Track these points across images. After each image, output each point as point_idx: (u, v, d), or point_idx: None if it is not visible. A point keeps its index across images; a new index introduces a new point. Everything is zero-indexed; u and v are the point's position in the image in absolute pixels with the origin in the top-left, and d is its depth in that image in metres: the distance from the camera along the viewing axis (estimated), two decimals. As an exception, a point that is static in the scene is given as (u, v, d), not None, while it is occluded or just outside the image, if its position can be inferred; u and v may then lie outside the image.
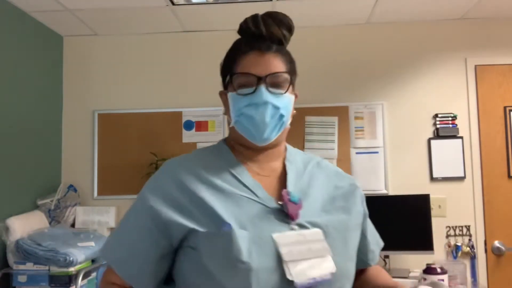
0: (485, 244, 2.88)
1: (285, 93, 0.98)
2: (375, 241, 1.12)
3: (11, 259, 2.36)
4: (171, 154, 2.94)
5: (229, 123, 1.03)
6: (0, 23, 2.49)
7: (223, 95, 1.07)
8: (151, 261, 0.91)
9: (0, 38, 2.48)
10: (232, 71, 1.00)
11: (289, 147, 1.11)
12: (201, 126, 3.06)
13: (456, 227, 2.90)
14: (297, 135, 2.93)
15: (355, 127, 3.01)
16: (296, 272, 0.84)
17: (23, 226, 2.45)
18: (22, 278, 2.31)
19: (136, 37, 3.16)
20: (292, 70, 1.02)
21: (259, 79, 0.95)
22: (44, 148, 2.89)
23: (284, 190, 0.94)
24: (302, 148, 2.93)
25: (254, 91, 0.95)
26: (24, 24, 2.72)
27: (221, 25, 2.97)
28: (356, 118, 3.01)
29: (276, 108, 0.96)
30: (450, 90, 3.00)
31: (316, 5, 2.74)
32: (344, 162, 2.97)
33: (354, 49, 3.07)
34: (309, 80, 3.04)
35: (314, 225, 0.92)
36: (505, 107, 2.94)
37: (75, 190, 2.99)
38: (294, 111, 1.06)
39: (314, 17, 2.95)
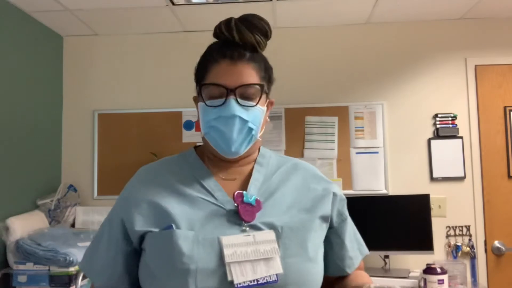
0: (485, 244, 2.88)
1: (256, 105, 0.96)
2: (356, 247, 1.08)
3: (11, 259, 2.36)
4: (171, 154, 2.93)
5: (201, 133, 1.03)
6: (0, 23, 2.49)
7: (195, 101, 1.08)
8: (121, 269, 0.96)
9: (0, 38, 2.48)
10: (203, 81, 1.00)
11: (263, 150, 1.10)
12: (201, 126, 3.05)
13: (456, 227, 2.90)
14: (297, 135, 2.92)
15: (355, 127, 3.01)
16: (237, 273, 0.84)
17: (23, 226, 2.45)
18: (22, 278, 2.31)
19: (136, 37, 3.16)
20: (266, 79, 1.00)
21: (229, 91, 0.94)
22: (44, 148, 2.89)
23: (238, 191, 0.94)
24: (302, 148, 2.93)
25: (223, 103, 0.94)
26: (24, 24, 2.72)
27: (221, 25, 2.96)
28: (356, 118, 3.01)
29: (244, 121, 0.95)
30: (450, 90, 3.00)
31: (316, 5, 2.74)
32: (344, 162, 2.97)
33: (354, 49, 3.07)
34: (309, 80, 3.04)
35: (269, 226, 0.92)
36: (505, 107, 2.94)
37: (75, 190, 2.99)
38: (268, 119, 1.06)
39: (314, 17, 2.95)
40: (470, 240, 2.88)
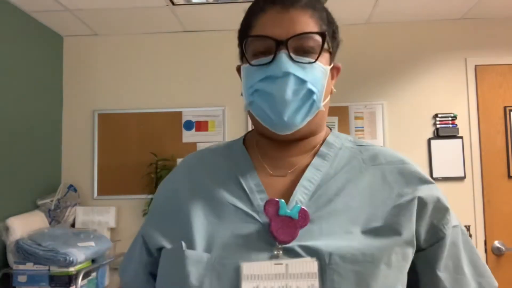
0: (485, 244, 2.88)
1: (315, 61, 0.72)
2: (458, 280, 0.72)
3: (11, 259, 2.35)
4: (171, 154, 2.94)
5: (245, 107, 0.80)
6: (0, 23, 2.49)
7: (239, 71, 0.82)
8: (142, 279, 0.81)
9: (0, 38, 2.48)
10: (246, 36, 0.76)
11: (334, 135, 0.82)
12: (201, 126, 3.05)
13: (456, 227, 2.90)
14: (297, 135, 2.92)
15: (355, 127, 3.01)
16: None
17: (23, 226, 2.44)
18: (22, 278, 2.31)
19: (136, 37, 3.16)
20: (330, 34, 0.77)
21: (279, 44, 0.71)
22: (44, 148, 2.89)
23: (270, 199, 0.69)
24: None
25: (271, 61, 0.71)
26: (24, 24, 2.72)
27: (221, 25, 2.96)
28: (356, 118, 3.01)
29: (301, 81, 0.71)
30: (450, 90, 2.99)
31: (316, 5, 2.74)
32: (344, 162, 2.97)
33: (354, 49, 3.07)
34: (309, 80, 3.04)
35: (312, 252, 0.65)
36: (505, 107, 2.94)
37: (75, 190, 2.99)
38: (334, 90, 0.81)
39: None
40: (470, 240, 2.88)
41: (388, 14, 2.92)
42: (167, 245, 0.72)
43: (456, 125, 2.94)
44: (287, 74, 0.70)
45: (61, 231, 2.56)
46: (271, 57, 0.71)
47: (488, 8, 2.85)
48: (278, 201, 0.68)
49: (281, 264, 0.64)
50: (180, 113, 3.07)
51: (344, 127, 3.00)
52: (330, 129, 0.85)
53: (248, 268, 0.64)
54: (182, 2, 2.63)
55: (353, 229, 0.67)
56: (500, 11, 2.90)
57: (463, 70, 3.00)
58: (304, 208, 0.68)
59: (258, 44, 0.73)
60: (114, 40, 3.17)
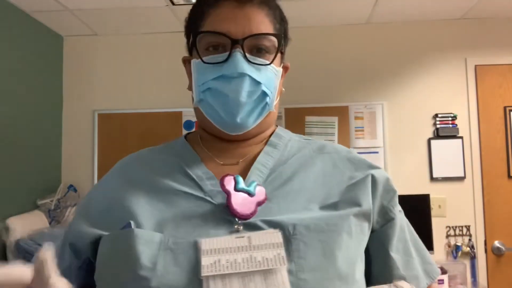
0: (485, 244, 2.88)
1: (270, 63, 0.72)
2: (409, 262, 0.72)
3: (11, 259, 2.35)
4: (171, 154, 2.94)
5: (193, 101, 0.78)
6: (0, 23, 2.49)
7: (186, 63, 0.79)
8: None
9: (0, 38, 2.48)
10: (197, 29, 0.73)
11: (281, 130, 0.83)
12: (201, 126, 3.05)
13: (456, 227, 2.90)
14: (297, 135, 2.92)
15: (355, 127, 3.01)
16: None
17: (23, 226, 2.44)
18: (22, 278, 2.30)
19: (136, 37, 3.15)
20: (282, 32, 0.76)
21: (234, 42, 0.69)
22: (44, 148, 2.89)
23: (227, 174, 0.67)
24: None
25: (226, 59, 0.69)
26: (24, 24, 2.72)
27: (221, 25, 2.96)
28: (356, 118, 3.01)
29: (256, 83, 0.70)
30: (450, 90, 3.00)
31: (316, 5, 2.74)
32: (344, 162, 2.97)
33: (354, 49, 3.07)
34: (309, 80, 3.04)
35: (275, 225, 0.64)
36: (505, 107, 2.94)
37: (75, 190, 2.99)
38: (283, 90, 0.80)
39: (314, 17, 2.94)
40: (470, 240, 2.88)
41: (388, 14, 2.92)
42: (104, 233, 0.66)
43: (456, 125, 2.94)
44: (242, 75, 0.69)
45: (61, 231, 2.56)
46: (225, 55, 0.69)
47: (488, 8, 2.85)
48: (234, 177, 0.66)
49: (242, 237, 0.61)
50: (180, 113, 3.07)
51: (344, 127, 3.00)
52: (276, 126, 0.85)
53: (207, 243, 0.60)
54: (182, 2, 2.63)
55: (311, 206, 0.68)
56: (500, 11, 2.90)
57: (463, 70, 3.00)
58: (261, 185, 0.68)
59: (211, 39, 0.71)
60: (114, 40, 3.17)
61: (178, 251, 0.61)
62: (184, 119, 3.07)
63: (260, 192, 0.66)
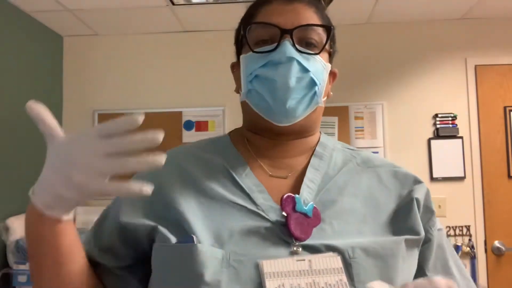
0: (485, 244, 2.88)
1: (319, 53, 0.71)
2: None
3: (11, 259, 2.35)
4: (171, 154, 2.94)
5: (240, 99, 0.76)
6: (0, 23, 2.49)
7: (235, 67, 0.79)
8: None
9: (0, 38, 2.48)
10: (249, 23, 0.74)
11: (325, 137, 0.81)
12: (201, 126, 3.05)
13: (456, 227, 2.90)
14: (297, 135, 2.92)
15: (355, 127, 3.01)
16: None
17: (23, 226, 2.44)
18: (22, 278, 2.31)
19: (136, 37, 3.15)
20: (330, 33, 0.74)
21: (284, 32, 0.69)
22: (44, 148, 2.87)
23: (288, 194, 0.66)
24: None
25: (275, 48, 0.69)
26: (24, 24, 2.72)
27: (221, 25, 2.96)
28: (356, 118, 3.01)
29: (305, 70, 0.69)
30: (450, 90, 2.99)
31: (316, 5, 2.74)
32: (344, 162, 2.97)
33: (354, 49, 3.07)
34: (309, 80, 3.04)
35: (330, 248, 0.63)
36: (505, 107, 2.94)
37: (75, 190, 2.99)
38: (331, 94, 0.78)
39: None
40: (470, 240, 2.88)
41: (388, 14, 2.92)
42: (168, 235, 0.65)
43: (456, 125, 2.94)
44: (291, 59, 0.68)
45: (61, 231, 2.56)
46: (274, 44, 0.69)
47: (488, 8, 2.85)
48: (294, 197, 0.66)
49: (303, 260, 0.61)
50: (180, 113, 3.07)
51: (344, 127, 3.00)
52: (320, 132, 0.84)
53: (268, 265, 0.60)
54: (182, 2, 2.63)
55: (364, 228, 0.67)
56: (500, 11, 2.90)
57: (463, 70, 3.00)
58: (316, 207, 0.67)
59: (261, 32, 0.71)
60: (114, 40, 3.17)
61: (240, 269, 0.60)
62: (184, 119, 3.06)
63: (315, 213, 0.66)
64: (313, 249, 0.63)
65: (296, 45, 0.69)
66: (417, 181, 0.76)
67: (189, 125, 3.06)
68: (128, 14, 2.82)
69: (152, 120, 3.08)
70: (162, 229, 0.65)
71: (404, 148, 2.98)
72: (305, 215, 0.64)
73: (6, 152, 2.50)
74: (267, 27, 0.70)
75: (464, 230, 2.89)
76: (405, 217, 0.70)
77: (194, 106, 3.05)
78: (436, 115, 2.97)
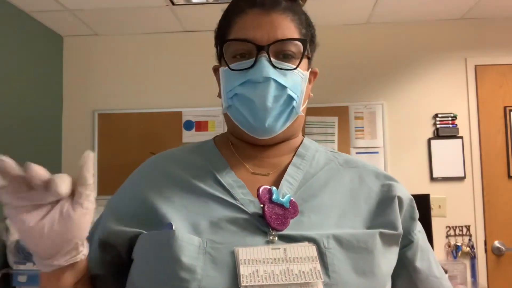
0: (485, 244, 2.88)
1: (295, 68, 0.72)
2: (434, 282, 0.75)
3: (11, 259, 2.36)
4: (171, 154, 2.94)
5: (222, 108, 0.79)
6: (0, 23, 2.49)
7: (216, 72, 0.82)
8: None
9: (0, 38, 2.48)
10: (225, 38, 0.76)
11: (308, 140, 0.84)
12: (201, 126, 3.06)
13: (456, 227, 2.90)
14: (297, 135, 2.92)
15: (355, 127, 3.00)
16: None
17: (23, 226, 2.44)
18: (22, 278, 2.31)
19: (136, 37, 3.15)
20: (308, 37, 0.77)
21: (260, 48, 0.70)
22: (44, 148, 2.89)
23: (264, 186, 0.68)
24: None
25: (252, 65, 0.70)
26: (24, 24, 2.72)
27: (221, 25, 2.97)
28: (356, 118, 3.01)
29: (282, 87, 0.71)
30: (450, 90, 2.99)
31: (316, 5, 2.74)
32: (344, 162, 2.97)
33: (354, 49, 3.07)
34: (309, 80, 3.04)
35: (306, 238, 0.65)
36: (505, 107, 2.94)
37: (75, 190, 2.99)
38: (311, 95, 0.81)
39: (314, 17, 2.93)
40: (470, 240, 2.88)
41: (388, 14, 2.92)
42: (146, 231, 0.67)
43: (456, 125, 2.94)
44: (267, 79, 0.70)
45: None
46: (251, 61, 0.71)
47: (488, 8, 2.85)
48: (270, 188, 0.68)
49: (278, 248, 0.63)
50: (180, 113, 3.07)
51: (344, 127, 3.00)
52: (303, 135, 0.87)
53: (244, 252, 0.62)
54: (182, 2, 2.63)
55: (341, 222, 0.69)
56: (500, 11, 2.90)
57: (463, 70, 3.00)
58: (293, 199, 0.69)
59: (237, 47, 0.73)
60: (114, 40, 3.17)
61: (216, 256, 0.62)
62: (184, 119, 3.07)
63: (293, 205, 0.68)
64: (289, 239, 0.65)
65: (273, 61, 0.71)
66: (398, 182, 0.79)
67: (189, 125, 3.06)
68: (128, 14, 2.82)
69: (152, 120, 3.08)
70: (145, 231, 0.68)
71: (404, 148, 2.98)
72: (282, 206, 0.66)
73: (6, 152, 2.49)
74: (243, 43, 0.72)
75: (464, 230, 2.89)
76: (383, 212, 0.72)
77: (194, 106, 3.05)
78: (436, 115, 2.97)
